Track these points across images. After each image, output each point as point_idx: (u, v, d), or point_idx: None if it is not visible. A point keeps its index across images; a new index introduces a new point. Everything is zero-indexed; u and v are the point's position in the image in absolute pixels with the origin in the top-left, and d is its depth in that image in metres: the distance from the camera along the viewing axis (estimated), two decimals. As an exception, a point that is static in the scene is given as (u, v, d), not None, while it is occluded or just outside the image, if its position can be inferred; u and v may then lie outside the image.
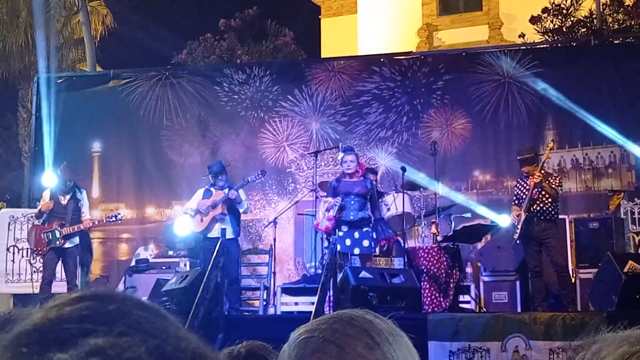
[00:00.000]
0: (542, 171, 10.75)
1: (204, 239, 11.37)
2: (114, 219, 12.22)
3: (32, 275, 13.54)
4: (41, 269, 12.44)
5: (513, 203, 10.90)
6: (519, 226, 10.45)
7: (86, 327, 0.75)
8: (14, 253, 13.93)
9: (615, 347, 1.31)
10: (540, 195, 10.45)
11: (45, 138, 15.18)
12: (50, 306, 0.79)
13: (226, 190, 11.31)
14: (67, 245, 11.69)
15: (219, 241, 10.50)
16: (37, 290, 12.29)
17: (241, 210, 11.48)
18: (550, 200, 10.48)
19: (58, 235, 11.60)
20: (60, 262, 11.86)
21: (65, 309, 0.78)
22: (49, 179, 12.87)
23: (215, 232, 11.11)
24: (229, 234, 11.05)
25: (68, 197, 11.85)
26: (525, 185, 10.66)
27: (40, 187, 13.94)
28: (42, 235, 11.71)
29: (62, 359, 0.72)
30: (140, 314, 0.79)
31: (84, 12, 22.39)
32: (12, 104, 25.66)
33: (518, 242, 10.67)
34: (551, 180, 10.59)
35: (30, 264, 13.62)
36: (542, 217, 10.44)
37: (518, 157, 10.92)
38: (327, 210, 10.36)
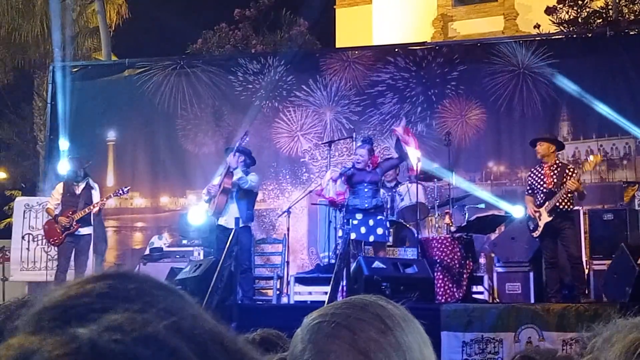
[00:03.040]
0: (558, 161, 10.74)
1: (218, 228, 11.28)
2: (121, 192, 12.34)
3: (46, 263, 13.61)
4: (56, 257, 12.53)
5: (527, 193, 10.86)
6: (541, 225, 10.40)
7: (106, 304, 0.77)
8: (29, 241, 14.00)
9: (626, 333, 1.32)
10: (562, 192, 10.39)
11: (61, 127, 15.25)
12: (72, 284, 0.81)
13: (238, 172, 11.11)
14: (81, 231, 11.78)
15: (233, 230, 10.52)
16: (51, 278, 12.38)
17: (244, 186, 11.03)
18: (569, 194, 10.45)
19: (71, 222, 11.69)
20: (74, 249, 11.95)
21: (86, 286, 0.80)
22: (63, 168, 12.96)
23: (228, 220, 10.95)
24: (241, 222, 10.94)
25: (82, 186, 11.95)
26: (540, 175, 10.60)
27: (56, 175, 14.01)
28: (55, 225, 11.80)
29: (82, 333, 0.74)
30: (159, 293, 0.81)
31: (100, 1, 22.45)
32: (28, 92, 25.77)
33: (537, 239, 10.67)
34: (569, 173, 10.51)
35: (45, 252, 13.69)
36: (559, 210, 10.40)
37: (537, 137, 10.83)
38: (334, 180, 10.39)
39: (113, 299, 0.78)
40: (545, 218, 10.36)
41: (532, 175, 10.81)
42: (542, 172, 10.60)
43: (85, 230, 11.86)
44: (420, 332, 1.47)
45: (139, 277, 0.84)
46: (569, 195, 10.41)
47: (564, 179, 10.42)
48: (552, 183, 10.45)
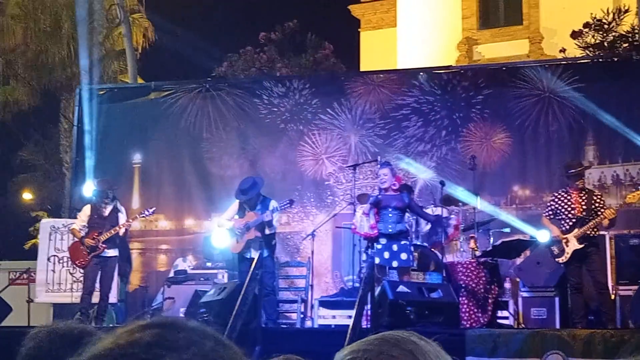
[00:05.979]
0: (585, 187, 10.68)
1: (241, 259, 11.33)
2: (146, 213, 12.39)
3: (72, 285, 13.65)
4: (81, 278, 12.57)
5: (547, 216, 10.75)
6: (568, 252, 10.31)
7: (155, 353, 0.77)
8: (54, 263, 14.04)
9: None
10: (596, 221, 10.30)
11: (87, 149, 15.33)
12: (120, 332, 0.81)
13: (258, 212, 11.20)
14: (107, 253, 11.80)
15: (257, 254, 10.55)
16: (76, 300, 12.42)
17: (267, 232, 11.19)
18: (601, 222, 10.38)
19: (97, 243, 11.73)
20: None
21: (135, 335, 0.80)
22: (90, 190, 13.02)
23: (252, 254, 11.01)
24: (265, 254, 11.01)
25: (110, 208, 11.99)
26: (567, 201, 10.49)
27: (81, 197, 14.08)
28: (81, 247, 11.84)
29: None
30: (207, 343, 0.81)
31: (126, 24, 22.61)
32: (54, 114, 25.98)
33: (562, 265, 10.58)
34: (597, 201, 10.46)
35: (71, 274, 13.74)
36: (585, 236, 10.33)
37: (570, 171, 10.69)
38: (366, 214, 10.40)
39: (161, 349, 0.78)
40: (574, 245, 10.26)
41: (557, 199, 10.67)
42: (571, 198, 10.50)
43: (111, 252, 11.89)
44: (452, 369, 1.47)
45: (186, 325, 0.84)
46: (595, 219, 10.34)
47: (593, 206, 10.36)
48: (582, 210, 10.37)
